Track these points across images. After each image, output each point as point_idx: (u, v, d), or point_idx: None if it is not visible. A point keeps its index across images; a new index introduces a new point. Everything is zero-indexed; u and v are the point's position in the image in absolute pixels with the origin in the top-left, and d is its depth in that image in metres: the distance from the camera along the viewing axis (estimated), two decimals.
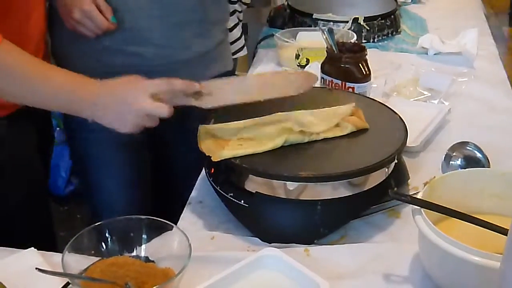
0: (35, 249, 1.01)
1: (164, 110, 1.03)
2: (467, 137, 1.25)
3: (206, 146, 1.08)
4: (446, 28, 1.88)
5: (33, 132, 1.27)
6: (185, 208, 1.15)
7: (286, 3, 1.98)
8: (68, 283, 0.92)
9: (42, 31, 1.34)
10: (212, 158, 1.04)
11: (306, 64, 1.61)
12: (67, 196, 2.51)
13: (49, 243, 1.29)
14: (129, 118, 1.05)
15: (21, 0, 1.21)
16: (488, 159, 1.16)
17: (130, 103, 1.04)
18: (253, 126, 1.11)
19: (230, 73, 1.61)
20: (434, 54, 1.73)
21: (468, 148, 1.18)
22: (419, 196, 0.93)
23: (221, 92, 1.08)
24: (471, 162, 1.16)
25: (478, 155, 1.17)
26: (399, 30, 1.90)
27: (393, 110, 1.20)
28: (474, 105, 1.46)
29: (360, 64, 1.33)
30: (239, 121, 1.12)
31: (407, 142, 1.20)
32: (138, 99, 1.03)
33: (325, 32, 1.38)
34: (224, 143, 1.07)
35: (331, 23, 1.79)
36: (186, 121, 1.19)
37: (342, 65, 1.33)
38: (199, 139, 1.10)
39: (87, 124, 1.08)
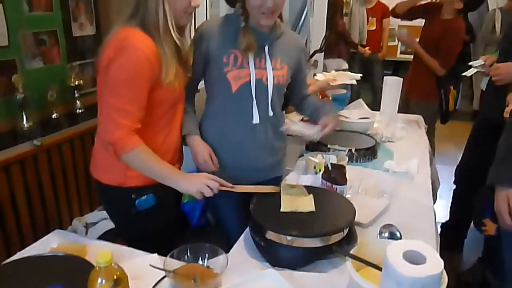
0: (157, 254, 1.07)
1: (216, 186, 1.17)
2: (395, 220, 1.24)
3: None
4: (403, 157, 1.85)
5: (172, 191, 1.24)
6: (235, 244, 1.18)
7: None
8: (165, 276, 0.98)
9: (177, 147, 1.31)
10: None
11: (319, 172, 1.60)
12: (199, 227, 2.54)
13: None
14: (197, 187, 1.16)
15: (161, 126, 1.21)
16: (401, 235, 1.16)
17: (199, 179, 1.17)
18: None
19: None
20: (393, 172, 1.73)
21: (392, 228, 1.19)
22: (351, 252, 0.95)
23: (243, 188, 1.22)
24: (392, 236, 1.16)
25: (397, 232, 1.18)
26: (376, 157, 1.88)
27: (351, 203, 1.22)
28: (405, 202, 1.45)
29: (340, 176, 1.36)
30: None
31: (362, 220, 1.25)
32: (204, 177, 1.18)
33: (324, 157, 1.45)
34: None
35: (337, 150, 1.81)
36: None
37: (331, 175, 1.37)
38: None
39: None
